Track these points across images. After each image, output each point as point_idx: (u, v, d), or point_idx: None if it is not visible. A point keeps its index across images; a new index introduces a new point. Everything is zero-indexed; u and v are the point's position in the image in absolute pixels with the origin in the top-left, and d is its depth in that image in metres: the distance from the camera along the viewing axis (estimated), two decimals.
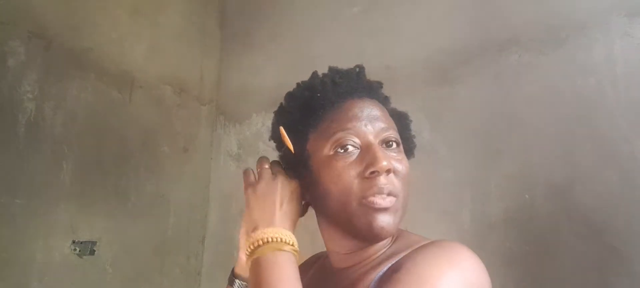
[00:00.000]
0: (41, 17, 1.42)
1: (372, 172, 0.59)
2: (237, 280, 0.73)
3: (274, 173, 0.67)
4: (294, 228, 0.63)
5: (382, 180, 0.60)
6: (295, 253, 0.59)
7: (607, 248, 0.98)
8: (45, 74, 1.41)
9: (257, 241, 0.58)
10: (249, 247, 0.59)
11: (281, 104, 0.74)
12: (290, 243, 0.59)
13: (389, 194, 0.60)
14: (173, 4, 1.91)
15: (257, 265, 0.57)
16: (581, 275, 1.00)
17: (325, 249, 0.73)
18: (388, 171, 0.60)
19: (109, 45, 1.62)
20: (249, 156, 1.82)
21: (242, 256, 0.70)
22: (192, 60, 1.96)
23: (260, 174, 0.68)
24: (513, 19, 1.22)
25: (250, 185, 0.67)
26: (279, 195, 0.64)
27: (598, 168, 1.02)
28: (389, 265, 0.58)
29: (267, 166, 0.69)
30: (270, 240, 0.58)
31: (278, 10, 1.87)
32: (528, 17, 1.19)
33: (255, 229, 0.60)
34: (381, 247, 0.64)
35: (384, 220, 0.59)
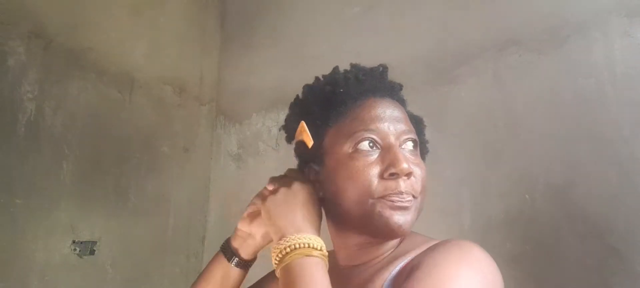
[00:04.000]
0: (41, 17, 1.42)
1: (392, 174, 0.59)
2: (235, 258, 0.72)
3: (289, 181, 0.67)
4: (319, 231, 0.62)
5: (402, 183, 0.60)
6: (324, 257, 0.58)
7: (607, 248, 0.98)
8: (45, 74, 1.41)
9: (287, 248, 0.57)
10: (278, 255, 0.58)
11: (298, 96, 0.73)
12: (319, 248, 0.58)
13: (407, 196, 0.60)
14: (173, 4, 1.91)
15: (287, 273, 0.56)
16: (581, 275, 1.00)
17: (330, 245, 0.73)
18: (408, 174, 0.60)
19: (109, 45, 1.62)
20: (249, 156, 1.82)
21: (242, 229, 0.71)
22: (192, 60, 1.96)
23: (275, 185, 0.68)
24: (513, 19, 1.22)
25: (265, 197, 0.67)
26: (300, 199, 0.63)
27: (598, 168, 1.02)
28: (401, 264, 0.58)
29: (281, 179, 0.69)
30: (299, 246, 0.57)
31: (278, 11, 1.86)
32: (528, 17, 1.19)
33: (282, 237, 0.59)
34: (390, 247, 0.64)
35: (402, 218, 0.60)
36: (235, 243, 0.74)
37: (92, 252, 1.48)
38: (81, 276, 1.45)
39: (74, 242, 1.44)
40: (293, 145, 0.72)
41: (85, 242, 1.46)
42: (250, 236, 0.73)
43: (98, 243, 1.50)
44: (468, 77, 1.26)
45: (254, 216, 0.72)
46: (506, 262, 1.09)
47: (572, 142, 1.07)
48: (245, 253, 0.73)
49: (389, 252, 0.64)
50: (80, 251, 1.44)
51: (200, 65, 1.99)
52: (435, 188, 1.25)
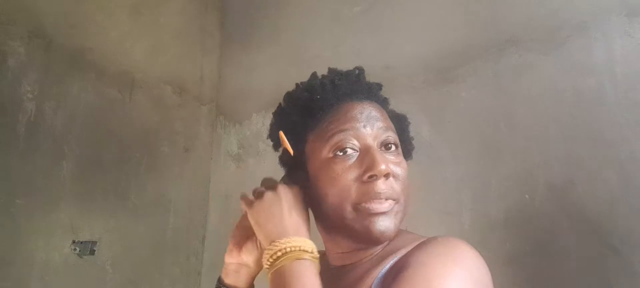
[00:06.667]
0: (41, 17, 1.43)
1: (371, 176, 0.59)
2: None
3: (273, 185, 0.66)
4: (308, 233, 0.62)
5: (381, 184, 0.59)
6: (315, 260, 0.58)
7: (607, 248, 0.98)
8: (45, 74, 1.41)
9: (278, 252, 0.57)
10: (269, 260, 0.58)
11: (280, 104, 0.74)
12: (309, 250, 0.58)
13: (387, 198, 0.60)
14: (173, 4, 1.91)
15: (278, 277, 0.56)
16: (581, 275, 1.00)
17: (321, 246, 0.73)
18: (387, 175, 0.60)
19: (109, 45, 1.62)
20: (249, 156, 1.82)
21: (231, 262, 0.69)
22: (192, 60, 1.96)
23: (257, 193, 0.66)
24: (513, 19, 1.22)
25: (250, 204, 0.65)
26: (284, 203, 0.62)
27: (598, 168, 1.02)
28: (391, 262, 0.58)
29: (262, 186, 0.67)
30: (289, 249, 0.57)
31: (278, 11, 1.86)
32: (528, 17, 1.19)
33: (272, 242, 0.59)
34: (379, 246, 0.64)
35: (383, 224, 0.59)
36: (229, 279, 0.71)
37: (92, 252, 1.48)
38: (81, 276, 1.45)
39: (74, 242, 1.44)
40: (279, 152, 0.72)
41: (85, 242, 1.46)
42: (242, 266, 0.70)
43: (98, 243, 1.50)
44: (468, 77, 1.26)
45: (241, 244, 0.70)
46: (506, 262, 1.09)
47: (572, 142, 1.07)
48: (242, 284, 0.70)
49: (379, 250, 0.63)
50: (80, 251, 1.44)
51: (200, 65, 1.99)
52: (435, 188, 1.26)
